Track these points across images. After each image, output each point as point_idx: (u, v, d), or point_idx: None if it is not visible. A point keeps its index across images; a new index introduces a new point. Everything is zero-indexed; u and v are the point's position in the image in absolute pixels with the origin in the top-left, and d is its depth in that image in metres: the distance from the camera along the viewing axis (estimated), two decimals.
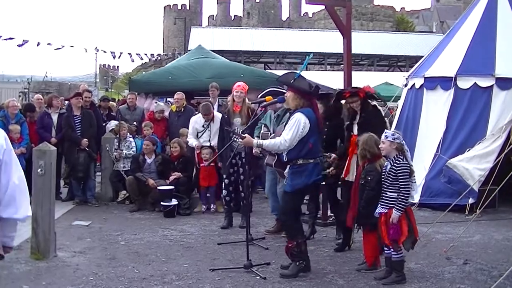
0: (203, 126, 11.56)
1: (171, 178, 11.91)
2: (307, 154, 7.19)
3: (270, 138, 8.36)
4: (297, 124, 7.10)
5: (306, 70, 56.97)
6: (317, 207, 9.72)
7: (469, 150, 11.79)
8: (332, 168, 8.78)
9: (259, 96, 9.48)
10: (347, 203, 8.12)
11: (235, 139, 7.85)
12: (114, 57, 43.09)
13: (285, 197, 7.48)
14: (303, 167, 7.20)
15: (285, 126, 7.42)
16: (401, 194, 6.86)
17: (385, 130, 7.20)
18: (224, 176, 10.37)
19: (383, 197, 7.04)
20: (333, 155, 8.72)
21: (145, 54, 48.10)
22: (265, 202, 11.55)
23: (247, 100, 10.32)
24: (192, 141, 11.64)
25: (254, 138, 7.81)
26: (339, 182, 8.89)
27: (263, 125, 9.60)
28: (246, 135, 7.51)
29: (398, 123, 13.69)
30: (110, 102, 15.97)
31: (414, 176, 7.06)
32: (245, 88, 10.24)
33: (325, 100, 9.08)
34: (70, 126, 12.25)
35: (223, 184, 10.41)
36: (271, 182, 9.67)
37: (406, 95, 13.97)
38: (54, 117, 12.82)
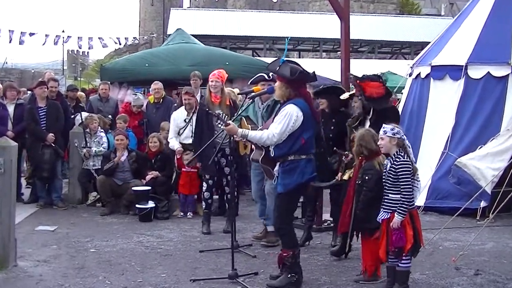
0: (184, 120, 11.45)
1: (148, 177, 11.87)
2: (299, 150, 7.17)
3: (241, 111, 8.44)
4: (288, 117, 7.06)
5: (299, 57, 57.07)
6: (314, 210, 9.70)
7: (481, 147, 11.81)
8: (340, 174, 8.75)
9: (249, 82, 9.47)
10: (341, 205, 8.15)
11: (219, 124, 7.77)
12: (80, 47, 43.01)
13: (277, 199, 7.45)
14: (294, 163, 7.17)
15: (274, 118, 7.37)
16: (402, 195, 6.84)
17: (383, 125, 7.15)
18: (207, 177, 10.32)
19: (385, 200, 7.03)
20: (350, 155, 8.50)
21: (118, 39, 47.97)
22: (252, 205, 11.54)
23: (226, 90, 10.28)
24: (173, 143, 11.52)
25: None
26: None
27: (243, 118, 9.45)
28: (230, 122, 7.48)
29: (401, 116, 13.60)
30: (79, 92, 15.87)
31: (418, 175, 7.04)
32: (222, 76, 10.17)
33: (331, 95, 9.08)
34: (34, 120, 12.13)
35: (205, 185, 10.37)
36: (257, 184, 9.61)
37: (411, 85, 13.99)
38: (10, 109, 12.71)
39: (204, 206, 10.47)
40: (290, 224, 7.42)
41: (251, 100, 8.35)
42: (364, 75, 8.65)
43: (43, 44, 42.30)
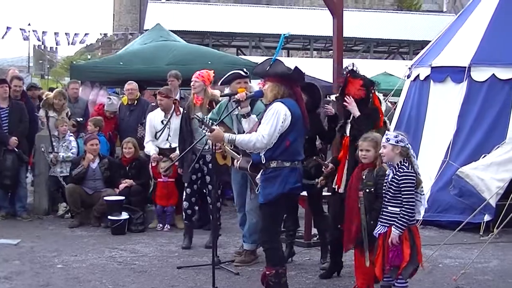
0: (162, 122, 11.45)
1: (121, 186, 11.85)
2: (282, 155, 7.13)
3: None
4: (276, 116, 7.03)
5: (288, 56, 57.15)
6: (295, 223, 9.69)
7: (485, 156, 11.85)
8: (321, 178, 8.76)
9: (219, 83, 9.42)
10: (335, 218, 8.13)
11: (203, 130, 7.74)
12: (42, 42, 42.89)
13: (261, 212, 7.44)
14: (277, 171, 7.14)
15: (260, 120, 7.34)
16: (403, 209, 6.85)
17: (386, 132, 7.17)
18: (186, 185, 10.31)
19: (384, 213, 7.04)
20: (330, 165, 8.56)
21: (86, 35, 47.85)
22: (235, 217, 11.53)
23: (209, 91, 10.27)
24: (149, 148, 11.53)
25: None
26: (326, 193, 8.89)
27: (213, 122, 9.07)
28: (215, 127, 7.43)
29: (398, 122, 13.73)
30: (42, 91, 15.80)
31: (422, 188, 7.06)
32: (204, 76, 10.10)
33: (309, 91, 9.04)
34: None
35: (184, 194, 10.35)
36: (239, 190, 9.50)
37: (409, 88, 14.03)
38: None
39: (184, 217, 10.46)
40: (275, 239, 7.36)
41: (228, 101, 8.35)
42: (363, 75, 8.59)
43: (2, 37, 42.04)
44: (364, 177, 7.41)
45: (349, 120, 8.36)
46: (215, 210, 8.75)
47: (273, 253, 7.32)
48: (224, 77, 9.22)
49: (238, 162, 7.82)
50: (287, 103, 7.12)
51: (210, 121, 7.70)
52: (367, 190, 7.33)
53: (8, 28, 42.16)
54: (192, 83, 10.13)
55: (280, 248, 7.42)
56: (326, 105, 9.03)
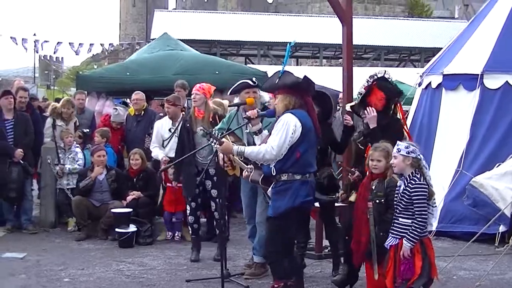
0: (169, 130, 11.45)
1: (129, 198, 11.85)
2: (293, 167, 7.12)
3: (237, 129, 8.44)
4: (286, 127, 7.04)
5: (297, 65, 57.16)
6: (306, 235, 9.67)
7: (499, 165, 11.81)
8: (342, 192, 8.75)
9: (229, 92, 9.43)
10: (347, 229, 8.13)
11: (211, 142, 7.74)
12: (35, 50, 42.88)
13: (267, 223, 7.43)
14: (287, 184, 7.14)
15: (270, 132, 7.34)
16: (415, 221, 6.84)
17: (397, 142, 7.16)
18: (189, 199, 10.29)
19: (395, 224, 7.03)
20: (357, 172, 8.46)
21: (91, 45, 47.93)
22: (245, 229, 11.51)
23: (211, 104, 10.27)
24: (157, 153, 11.56)
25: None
26: (339, 203, 8.88)
27: (223, 132, 8.66)
28: (224, 139, 7.45)
29: (409, 131, 13.66)
30: (48, 102, 15.78)
31: (434, 200, 7.04)
32: (204, 89, 10.10)
33: (320, 101, 9.04)
34: (0, 134, 12.09)
35: (188, 209, 10.36)
36: (248, 201, 9.47)
37: (420, 96, 14.02)
38: None
39: (190, 232, 10.48)
40: (282, 252, 7.30)
41: (237, 110, 8.36)
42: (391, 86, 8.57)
43: (8, 47, 42.25)
44: (373, 187, 7.40)
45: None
46: (222, 223, 8.74)
47: (277, 266, 7.32)
48: (233, 86, 9.23)
49: (250, 175, 7.81)
50: (298, 114, 7.13)
51: (218, 132, 7.73)
52: (377, 201, 7.31)
53: (12, 38, 42.21)
54: (193, 96, 10.13)
55: (284, 260, 7.33)
56: (346, 115, 9.02)
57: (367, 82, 8.51)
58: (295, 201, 7.11)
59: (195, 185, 9.95)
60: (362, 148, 8.41)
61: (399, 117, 8.75)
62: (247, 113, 7.98)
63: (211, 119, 10.05)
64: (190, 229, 10.46)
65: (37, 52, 48.75)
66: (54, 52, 48.56)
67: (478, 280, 8.72)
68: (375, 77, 8.48)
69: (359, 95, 8.67)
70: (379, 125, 8.18)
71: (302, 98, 7.28)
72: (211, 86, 10.32)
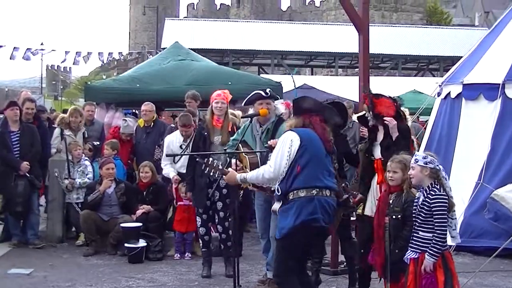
0: (180, 147, 11.42)
1: (138, 212, 11.86)
2: (296, 182, 7.02)
3: (257, 150, 8.47)
4: (282, 144, 7.08)
5: (312, 74, 57.18)
6: (321, 250, 9.67)
7: None
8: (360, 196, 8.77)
9: (243, 103, 9.45)
10: (363, 244, 8.14)
11: (214, 175, 7.79)
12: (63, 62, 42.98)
13: (276, 243, 7.41)
14: (291, 203, 7.05)
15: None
16: (435, 234, 6.83)
17: (415, 153, 7.17)
18: (200, 211, 10.29)
19: (414, 238, 7.03)
20: (360, 195, 8.50)
21: (100, 54, 48.00)
22: (258, 244, 11.50)
23: (230, 113, 10.28)
24: (168, 171, 11.53)
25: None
26: (353, 217, 8.88)
27: (239, 144, 9.09)
28: (230, 169, 7.52)
29: (428, 142, 13.68)
30: (57, 114, 15.79)
31: (454, 211, 7.04)
32: (227, 98, 10.18)
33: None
34: (5, 146, 12.08)
35: (199, 221, 10.35)
36: (262, 215, 9.49)
37: (439, 106, 13.98)
38: None
39: (201, 245, 10.47)
40: (290, 272, 7.24)
41: (248, 121, 8.40)
42: (381, 94, 8.68)
43: (10, 58, 42.23)
44: (391, 201, 7.39)
45: (377, 142, 8.38)
46: (229, 238, 8.77)
47: (286, 287, 7.29)
48: (248, 97, 9.27)
49: (272, 206, 7.73)
50: (299, 131, 7.17)
51: (220, 163, 7.80)
52: (393, 217, 7.30)
53: (15, 49, 42.19)
54: (218, 105, 10.07)
55: (294, 281, 7.23)
56: (362, 127, 9.03)
57: (364, 97, 8.62)
58: (296, 220, 6.96)
59: (206, 196, 9.96)
60: (370, 157, 8.44)
61: (407, 125, 8.78)
62: (268, 142, 8.23)
63: (229, 129, 10.07)
64: (200, 241, 10.45)
65: (48, 62, 48.95)
66: (63, 61, 48.57)
67: None
68: (366, 91, 8.63)
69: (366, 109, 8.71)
70: (387, 132, 8.23)
71: (307, 118, 7.29)
72: (227, 92, 10.32)
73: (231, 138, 9.58)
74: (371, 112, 8.52)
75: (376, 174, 8.35)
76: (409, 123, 10.00)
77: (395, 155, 7.53)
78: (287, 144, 7.02)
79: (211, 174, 7.78)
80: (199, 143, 10.08)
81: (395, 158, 7.47)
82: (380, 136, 8.43)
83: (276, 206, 7.32)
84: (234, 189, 8.66)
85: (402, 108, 8.89)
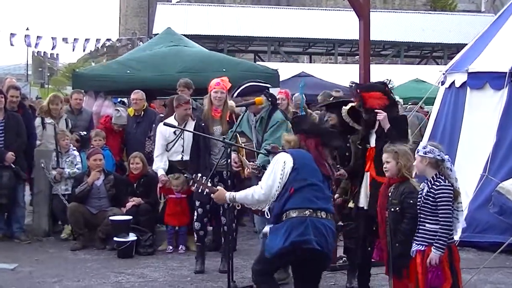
0: (174, 132, 11.36)
1: (129, 205, 11.86)
2: (288, 203, 6.90)
3: (255, 149, 8.47)
4: (275, 166, 7.02)
5: (310, 62, 57.14)
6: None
7: None
8: (337, 195, 8.79)
9: (233, 94, 9.48)
10: (363, 239, 8.17)
11: (200, 191, 7.80)
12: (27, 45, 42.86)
13: (260, 256, 7.34)
14: (282, 223, 6.91)
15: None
16: (441, 226, 6.85)
17: (420, 143, 7.19)
18: (197, 204, 10.30)
19: (420, 230, 7.07)
20: (342, 170, 8.65)
21: (87, 40, 47.91)
22: (253, 238, 11.54)
23: (229, 102, 10.28)
24: (158, 165, 11.46)
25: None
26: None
27: (238, 134, 9.45)
28: (218, 188, 7.51)
29: (432, 133, 13.69)
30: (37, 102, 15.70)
31: (460, 203, 7.06)
32: (226, 86, 10.17)
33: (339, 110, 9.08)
34: None
35: (196, 214, 10.36)
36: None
37: (443, 96, 14.00)
38: None
39: (196, 239, 10.47)
40: (268, 280, 7.22)
41: (246, 111, 8.42)
42: (369, 83, 8.71)
43: None
44: (390, 194, 7.41)
45: (373, 130, 8.40)
46: (230, 231, 8.75)
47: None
48: (239, 89, 9.32)
49: (263, 229, 7.70)
50: (292, 151, 7.12)
51: (204, 178, 7.77)
52: (392, 210, 7.32)
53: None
54: (217, 95, 10.06)
55: (273, 281, 7.26)
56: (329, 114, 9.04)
57: (352, 93, 8.64)
58: (286, 241, 6.77)
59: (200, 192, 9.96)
60: (366, 146, 8.48)
61: (403, 114, 8.83)
62: (268, 146, 8.37)
63: (228, 119, 10.07)
64: (195, 236, 10.45)
65: (34, 47, 48.62)
66: (53, 48, 48.48)
67: None
68: (353, 86, 8.65)
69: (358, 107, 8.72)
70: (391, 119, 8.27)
71: (303, 140, 7.22)
72: (226, 80, 10.30)
73: (230, 130, 9.63)
74: (363, 109, 8.53)
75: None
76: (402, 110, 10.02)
77: (387, 145, 7.55)
78: (279, 166, 6.96)
79: (199, 191, 7.76)
80: (200, 136, 10.07)
81: (385, 148, 7.50)
82: (376, 124, 8.46)
83: (267, 229, 7.21)
84: (233, 182, 8.75)
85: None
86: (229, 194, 7.38)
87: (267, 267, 7.13)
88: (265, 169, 8.37)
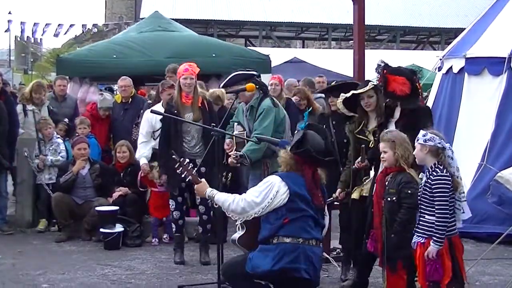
0: (160, 120, 11.32)
1: (115, 195, 11.86)
2: (282, 230, 6.88)
3: (246, 137, 8.51)
4: (268, 189, 6.91)
5: (303, 47, 57.06)
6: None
7: None
8: (339, 190, 8.77)
9: (221, 84, 9.53)
10: (358, 231, 8.18)
11: (184, 176, 7.77)
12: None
13: (238, 266, 7.25)
14: (273, 245, 6.89)
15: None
16: (436, 218, 6.85)
17: (421, 131, 7.17)
18: (175, 193, 10.29)
19: (421, 222, 7.07)
20: (366, 162, 8.47)
21: (71, 26, 47.83)
22: None
23: (199, 88, 10.28)
24: (141, 154, 11.40)
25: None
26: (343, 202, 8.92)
27: (235, 124, 9.72)
28: (202, 180, 7.49)
29: None
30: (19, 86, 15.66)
31: (463, 192, 7.06)
32: (195, 72, 10.12)
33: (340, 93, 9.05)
34: None
35: (173, 204, 10.34)
36: None
37: (440, 82, 14.01)
38: None
39: (174, 229, 10.48)
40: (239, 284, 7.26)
41: (235, 98, 8.45)
42: (399, 67, 8.65)
43: None
44: (387, 183, 7.41)
45: (393, 120, 8.35)
46: (208, 221, 8.83)
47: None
48: (227, 79, 9.37)
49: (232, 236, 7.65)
50: (290, 179, 6.98)
51: (190, 165, 7.73)
52: (389, 199, 7.32)
53: None
54: (186, 81, 10.03)
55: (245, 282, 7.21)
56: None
57: (378, 73, 8.55)
58: (275, 265, 6.79)
59: (181, 177, 9.97)
60: (363, 138, 8.45)
61: (426, 105, 8.78)
62: (245, 86, 8.57)
63: (199, 104, 10.06)
64: (174, 226, 10.45)
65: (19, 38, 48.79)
66: (33, 33, 48.43)
67: (504, 287, 8.72)
68: (381, 65, 8.52)
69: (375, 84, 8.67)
70: (404, 110, 8.22)
71: (300, 166, 7.07)
72: (194, 65, 10.29)
73: (231, 120, 9.73)
74: (383, 91, 8.49)
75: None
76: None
77: (383, 133, 7.53)
78: (272, 192, 6.88)
79: (183, 176, 7.74)
80: (170, 123, 10.07)
81: (382, 136, 7.48)
82: (397, 113, 8.41)
83: (236, 236, 7.26)
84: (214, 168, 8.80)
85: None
86: (210, 191, 7.33)
87: (242, 278, 7.09)
88: (244, 158, 8.50)
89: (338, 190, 8.82)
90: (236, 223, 7.25)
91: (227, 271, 7.37)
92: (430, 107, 13.75)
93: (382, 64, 8.56)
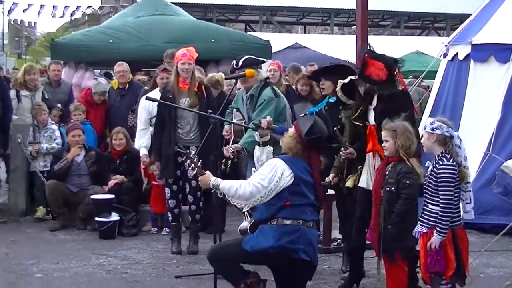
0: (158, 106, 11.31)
1: (111, 183, 11.86)
2: (282, 212, 6.96)
3: (244, 124, 8.51)
4: (273, 172, 6.96)
5: (305, 32, 56.95)
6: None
7: None
8: (333, 174, 8.77)
9: (233, 65, 9.51)
10: (359, 220, 8.19)
11: (190, 169, 7.76)
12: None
13: (232, 246, 7.35)
14: (274, 226, 6.97)
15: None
16: (441, 208, 6.86)
17: (428, 118, 7.17)
18: (170, 181, 10.28)
19: (425, 211, 7.08)
20: (351, 149, 8.50)
21: (66, 8, 47.64)
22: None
23: (197, 74, 10.27)
24: (140, 144, 11.34)
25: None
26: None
27: (234, 110, 9.70)
28: (207, 172, 7.48)
29: (433, 108, 13.69)
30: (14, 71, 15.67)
31: (469, 182, 7.06)
32: (193, 57, 10.11)
33: (338, 76, 9.02)
34: None
35: (169, 192, 10.33)
36: None
37: (445, 69, 13.99)
38: None
39: (170, 218, 10.47)
40: (226, 269, 7.31)
41: (236, 85, 8.46)
42: (381, 54, 8.64)
43: None
44: (387, 172, 7.41)
45: (371, 107, 8.37)
46: (198, 210, 8.86)
47: (227, 274, 7.32)
48: (240, 61, 9.44)
49: (239, 226, 7.70)
50: (293, 164, 7.05)
51: (197, 157, 7.74)
52: (387, 189, 7.32)
53: None
54: (184, 66, 9.99)
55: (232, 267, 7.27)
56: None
57: (360, 56, 8.60)
58: (275, 243, 6.85)
59: (175, 165, 9.98)
60: (365, 123, 8.44)
61: (403, 89, 8.78)
62: (261, 120, 8.29)
63: (196, 89, 10.06)
64: (170, 215, 10.43)
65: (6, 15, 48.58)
66: (24, 10, 48.15)
67: (509, 279, 8.73)
68: (365, 49, 8.57)
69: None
70: (381, 96, 8.22)
71: (307, 152, 7.15)
72: (194, 50, 10.28)
73: (230, 106, 9.73)
74: (361, 74, 8.49)
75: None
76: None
77: (385, 122, 7.53)
78: (275, 176, 6.93)
79: (189, 168, 7.75)
80: (165, 109, 10.07)
81: (383, 125, 7.48)
82: (375, 101, 8.41)
83: (245, 224, 7.35)
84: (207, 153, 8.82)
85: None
86: (214, 180, 7.32)
87: (236, 257, 7.15)
88: (242, 150, 8.51)
89: (332, 175, 8.79)
90: (243, 210, 7.28)
91: (216, 253, 7.37)
92: (435, 95, 13.83)
93: (368, 47, 8.60)
